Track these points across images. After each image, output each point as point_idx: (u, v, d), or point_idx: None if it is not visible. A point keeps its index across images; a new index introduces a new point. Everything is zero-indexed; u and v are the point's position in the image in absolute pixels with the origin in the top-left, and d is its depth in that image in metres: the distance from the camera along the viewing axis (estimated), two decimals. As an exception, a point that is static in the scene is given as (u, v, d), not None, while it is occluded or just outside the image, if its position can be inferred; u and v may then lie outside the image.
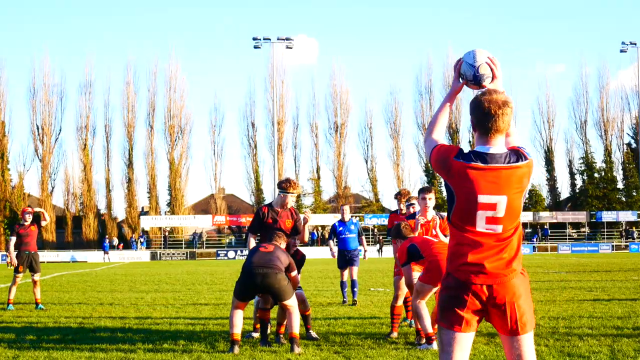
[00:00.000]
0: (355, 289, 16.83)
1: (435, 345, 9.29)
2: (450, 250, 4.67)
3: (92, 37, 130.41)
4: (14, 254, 17.22)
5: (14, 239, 17.40)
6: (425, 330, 9.55)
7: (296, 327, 9.59)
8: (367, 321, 12.84)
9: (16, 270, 17.14)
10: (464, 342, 4.48)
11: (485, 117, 4.60)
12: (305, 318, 10.79)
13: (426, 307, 9.61)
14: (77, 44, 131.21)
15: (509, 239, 4.50)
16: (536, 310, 12.70)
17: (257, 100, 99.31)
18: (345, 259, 17.29)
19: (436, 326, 8.74)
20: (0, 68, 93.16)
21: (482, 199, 4.50)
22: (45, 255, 74.94)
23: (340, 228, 17.46)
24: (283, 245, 10.26)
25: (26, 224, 17.49)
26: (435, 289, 9.46)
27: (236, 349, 9.43)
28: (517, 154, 4.59)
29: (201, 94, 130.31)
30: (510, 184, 4.49)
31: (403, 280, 10.30)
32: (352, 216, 18.13)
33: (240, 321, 9.68)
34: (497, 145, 4.59)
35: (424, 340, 9.75)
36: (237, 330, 9.62)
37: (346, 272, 17.27)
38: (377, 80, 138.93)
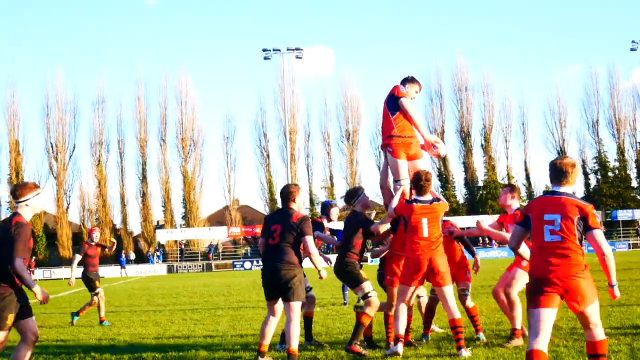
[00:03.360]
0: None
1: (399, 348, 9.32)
2: None
3: (103, 53, 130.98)
4: (75, 272, 16.71)
5: (79, 258, 16.86)
6: (397, 332, 9.50)
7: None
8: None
9: (92, 289, 16.60)
10: None
11: None
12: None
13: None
14: (88, 61, 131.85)
15: None
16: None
17: (268, 110, 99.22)
18: None
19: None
20: (13, 87, 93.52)
21: None
22: (61, 272, 75.26)
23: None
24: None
25: (94, 243, 17.00)
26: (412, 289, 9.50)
27: None
28: None
29: (212, 106, 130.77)
30: None
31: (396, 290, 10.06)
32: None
33: (267, 331, 9.27)
34: None
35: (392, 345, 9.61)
36: (265, 342, 9.27)
37: None
38: (387, 87, 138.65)
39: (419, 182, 9.72)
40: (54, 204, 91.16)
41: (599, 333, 6.79)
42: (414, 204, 9.61)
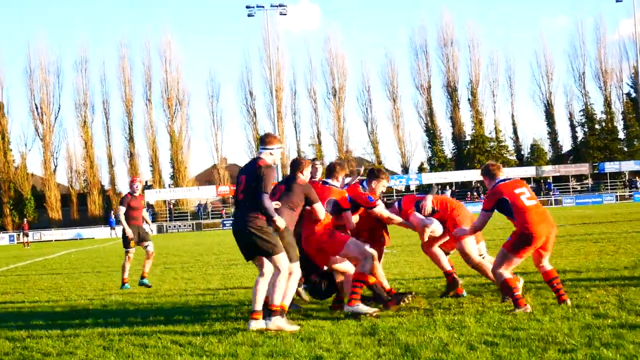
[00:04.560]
0: None
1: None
2: None
3: (85, 14, 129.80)
4: (127, 224, 15.36)
5: (123, 209, 15.40)
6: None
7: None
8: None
9: (127, 245, 15.38)
10: None
11: None
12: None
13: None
14: (70, 22, 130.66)
15: None
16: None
17: (254, 68, 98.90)
18: None
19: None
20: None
21: None
22: (51, 234, 75.26)
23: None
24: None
25: (136, 194, 15.74)
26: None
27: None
28: None
29: (197, 65, 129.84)
30: None
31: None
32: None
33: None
34: None
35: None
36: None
37: None
38: (372, 43, 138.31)
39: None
40: (41, 166, 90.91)
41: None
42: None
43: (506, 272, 9.03)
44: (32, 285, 17.43)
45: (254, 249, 8.67)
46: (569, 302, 8.97)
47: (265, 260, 8.73)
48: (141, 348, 7.88)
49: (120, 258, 27.17)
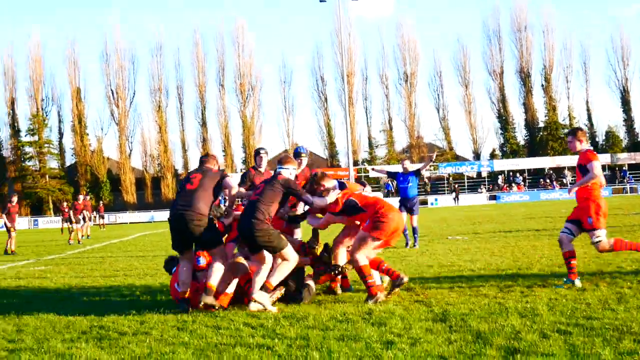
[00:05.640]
0: (416, 235, 19.03)
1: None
2: None
3: (160, 0, 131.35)
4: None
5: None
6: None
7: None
8: (445, 269, 12.87)
9: None
10: None
11: None
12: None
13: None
14: (144, 8, 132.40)
15: None
16: (618, 253, 12.58)
17: (325, 54, 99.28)
18: (406, 207, 18.90)
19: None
20: (73, 36, 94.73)
21: None
22: (128, 217, 76.73)
23: (401, 178, 19.11)
24: None
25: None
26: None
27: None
28: None
29: (269, 51, 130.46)
30: None
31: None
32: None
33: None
34: None
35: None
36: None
37: (406, 216, 18.55)
38: (444, 28, 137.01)
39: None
40: (116, 150, 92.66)
41: None
42: None
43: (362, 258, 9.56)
44: (108, 266, 17.80)
45: (256, 244, 9.50)
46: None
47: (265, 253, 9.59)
48: (214, 329, 8.01)
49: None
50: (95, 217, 60.13)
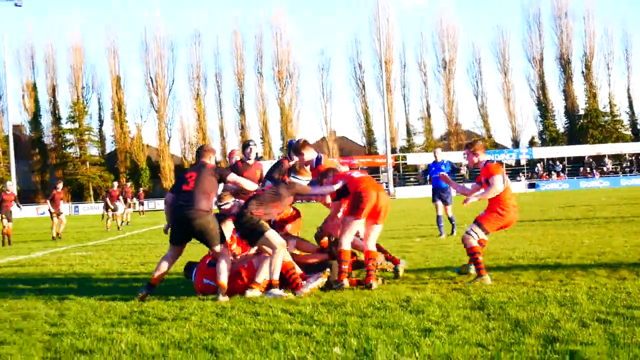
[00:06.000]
0: (454, 223, 18.87)
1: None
2: None
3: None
4: None
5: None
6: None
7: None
8: (484, 257, 12.79)
9: None
10: None
11: None
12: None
13: None
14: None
15: None
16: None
17: (363, 40, 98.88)
18: (439, 197, 18.82)
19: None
20: (113, 24, 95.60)
21: None
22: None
23: (433, 168, 19.05)
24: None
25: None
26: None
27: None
28: None
29: (307, 38, 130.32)
30: None
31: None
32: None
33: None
34: None
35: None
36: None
37: (440, 206, 18.79)
38: (483, 14, 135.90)
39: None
40: (155, 138, 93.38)
41: None
42: None
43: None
44: (147, 252, 17.97)
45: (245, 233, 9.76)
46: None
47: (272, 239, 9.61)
48: (252, 315, 8.06)
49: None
50: (135, 203, 60.69)
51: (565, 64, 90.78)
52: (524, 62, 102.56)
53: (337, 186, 10.09)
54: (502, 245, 14.70)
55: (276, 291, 9.36)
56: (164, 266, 9.96)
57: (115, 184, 36.29)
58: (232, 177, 10.16)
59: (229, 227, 10.67)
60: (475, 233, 10.08)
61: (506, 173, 11.26)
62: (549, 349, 5.87)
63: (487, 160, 10.32)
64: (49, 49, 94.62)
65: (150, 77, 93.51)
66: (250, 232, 9.62)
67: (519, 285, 9.33)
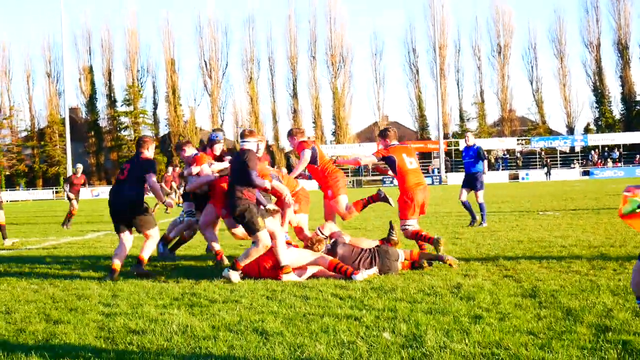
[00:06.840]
0: (483, 212, 17.74)
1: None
2: None
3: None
4: None
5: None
6: None
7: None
8: (535, 244, 12.69)
9: None
10: None
11: None
12: None
13: None
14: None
15: None
16: None
17: (417, 26, 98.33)
18: (469, 182, 18.27)
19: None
20: (167, 8, 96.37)
21: None
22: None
23: (463, 153, 18.66)
24: None
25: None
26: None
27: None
28: None
29: (361, 23, 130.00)
30: None
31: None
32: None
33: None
34: None
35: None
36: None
37: (465, 192, 18.15)
38: (539, 0, 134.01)
39: None
40: (208, 121, 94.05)
41: None
42: None
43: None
44: (198, 235, 18.08)
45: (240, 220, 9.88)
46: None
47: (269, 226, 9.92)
48: (302, 299, 8.10)
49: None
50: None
51: (622, 49, 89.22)
52: (580, 48, 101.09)
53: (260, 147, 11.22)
54: (554, 233, 14.56)
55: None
56: (122, 251, 10.84)
57: (170, 169, 36.22)
58: (150, 180, 10.62)
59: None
60: (406, 226, 10.95)
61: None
62: (601, 339, 5.81)
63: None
64: (105, 33, 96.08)
65: (204, 61, 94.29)
66: (246, 227, 9.76)
67: (572, 273, 9.24)
